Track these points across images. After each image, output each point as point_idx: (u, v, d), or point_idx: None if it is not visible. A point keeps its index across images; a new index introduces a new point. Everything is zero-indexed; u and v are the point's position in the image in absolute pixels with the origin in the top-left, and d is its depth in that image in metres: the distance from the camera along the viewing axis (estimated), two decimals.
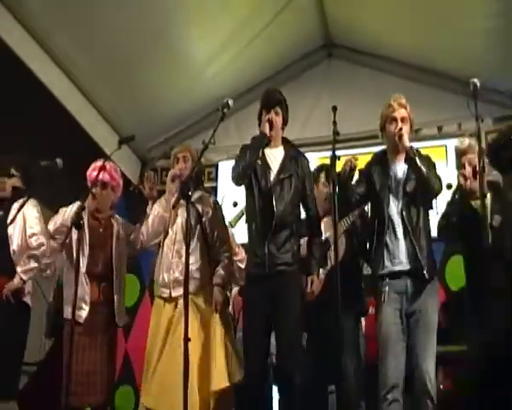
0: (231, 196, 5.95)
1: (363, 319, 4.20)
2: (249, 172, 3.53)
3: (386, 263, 3.34)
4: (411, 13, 5.31)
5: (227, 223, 4.37)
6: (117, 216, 4.17)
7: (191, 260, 3.44)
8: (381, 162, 3.56)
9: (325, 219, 3.93)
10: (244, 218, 4.00)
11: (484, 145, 3.65)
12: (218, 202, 3.92)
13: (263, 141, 3.59)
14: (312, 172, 3.88)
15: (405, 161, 3.45)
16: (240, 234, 4.59)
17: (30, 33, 4.83)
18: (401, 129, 3.42)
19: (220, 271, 3.68)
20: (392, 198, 3.42)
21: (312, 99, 6.29)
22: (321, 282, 3.75)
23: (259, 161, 3.60)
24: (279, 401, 3.60)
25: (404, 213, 3.36)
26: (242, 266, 4.12)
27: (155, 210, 3.76)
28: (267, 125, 3.56)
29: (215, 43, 5.69)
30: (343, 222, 3.88)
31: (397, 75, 5.94)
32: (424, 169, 3.34)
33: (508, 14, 4.71)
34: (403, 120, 3.47)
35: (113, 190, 4.11)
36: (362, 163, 5.93)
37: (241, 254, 4.38)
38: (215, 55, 5.82)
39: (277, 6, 5.58)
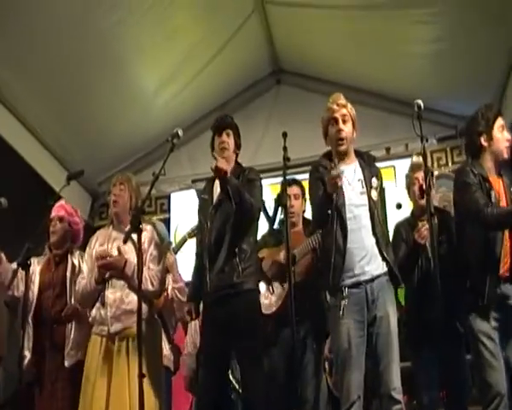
0: (184, 227, 5.88)
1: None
2: None
3: None
4: (357, 39, 5.45)
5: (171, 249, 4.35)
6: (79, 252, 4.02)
7: (128, 295, 3.38)
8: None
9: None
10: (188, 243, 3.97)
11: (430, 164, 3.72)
12: (156, 232, 3.72)
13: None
14: None
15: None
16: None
17: None
18: (341, 130, 3.28)
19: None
20: None
21: (262, 126, 6.34)
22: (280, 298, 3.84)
23: (206, 196, 3.62)
24: None
25: None
26: (179, 295, 4.07)
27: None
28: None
29: (164, 73, 5.70)
30: (310, 240, 3.90)
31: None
32: None
33: (449, 38, 4.87)
34: (344, 120, 3.32)
35: (70, 226, 4.01)
36: None
37: (180, 284, 4.27)
38: (164, 85, 5.81)
39: (225, 35, 5.65)
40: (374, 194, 3.21)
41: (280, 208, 4.08)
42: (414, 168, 3.89)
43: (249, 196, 3.36)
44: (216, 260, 3.39)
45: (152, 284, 3.42)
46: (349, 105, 3.38)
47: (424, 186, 3.10)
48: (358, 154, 3.39)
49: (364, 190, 3.22)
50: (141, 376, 2.81)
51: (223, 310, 3.31)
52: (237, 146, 3.67)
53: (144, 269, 3.39)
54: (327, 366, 4.35)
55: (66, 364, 3.68)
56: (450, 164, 5.93)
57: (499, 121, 3.35)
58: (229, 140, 3.60)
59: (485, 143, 3.34)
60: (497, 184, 3.32)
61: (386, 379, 3.00)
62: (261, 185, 3.60)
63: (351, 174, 3.26)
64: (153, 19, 4.97)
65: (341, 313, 3.09)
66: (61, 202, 3.98)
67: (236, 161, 3.68)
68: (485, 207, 3.17)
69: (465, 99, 5.31)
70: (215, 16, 5.38)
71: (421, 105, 3.09)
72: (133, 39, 5.13)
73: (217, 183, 3.55)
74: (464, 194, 3.29)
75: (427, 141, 3.07)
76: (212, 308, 3.38)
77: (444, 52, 5.02)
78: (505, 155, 3.32)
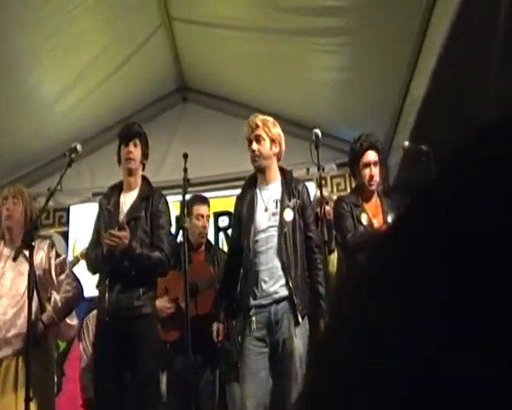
0: (83, 242, 5.71)
1: None
2: None
3: None
4: (263, 62, 5.53)
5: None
6: None
7: (20, 317, 3.19)
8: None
9: None
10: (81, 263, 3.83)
11: (326, 192, 3.83)
12: (52, 249, 3.49)
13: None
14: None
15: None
16: None
17: None
18: (253, 151, 3.29)
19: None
20: None
21: (166, 142, 6.29)
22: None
23: (111, 208, 3.45)
24: None
25: None
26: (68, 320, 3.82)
27: None
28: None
29: (64, 81, 5.48)
30: (216, 274, 3.91)
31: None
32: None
33: (350, 69, 5.06)
34: (258, 140, 3.32)
35: None
36: (214, 207, 5.93)
37: None
38: (65, 93, 5.59)
39: (131, 47, 5.54)
40: (288, 214, 3.19)
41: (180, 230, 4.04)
42: (317, 203, 3.98)
43: (157, 253, 3.29)
44: (117, 279, 3.29)
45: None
46: (268, 124, 3.36)
47: (319, 215, 3.21)
48: (284, 172, 3.42)
49: (278, 210, 3.22)
50: (27, 400, 2.69)
51: (118, 332, 3.21)
52: (144, 156, 3.56)
53: (54, 294, 3.33)
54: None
55: None
56: (348, 189, 6.12)
57: (366, 156, 3.47)
58: (135, 151, 3.48)
59: (354, 174, 3.57)
60: (373, 208, 3.47)
61: (287, 401, 3.02)
62: (169, 217, 3.47)
63: (267, 195, 3.30)
64: (55, 23, 4.78)
65: (246, 332, 3.15)
66: None
67: (143, 177, 3.58)
68: (347, 233, 3.31)
69: (363, 128, 5.50)
70: (121, 26, 5.27)
71: (319, 134, 3.20)
72: (32, 42, 4.86)
73: (124, 196, 3.46)
74: (337, 223, 3.47)
75: (323, 170, 3.19)
76: (107, 329, 3.28)
77: (345, 82, 5.20)
78: (369, 188, 3.47)
